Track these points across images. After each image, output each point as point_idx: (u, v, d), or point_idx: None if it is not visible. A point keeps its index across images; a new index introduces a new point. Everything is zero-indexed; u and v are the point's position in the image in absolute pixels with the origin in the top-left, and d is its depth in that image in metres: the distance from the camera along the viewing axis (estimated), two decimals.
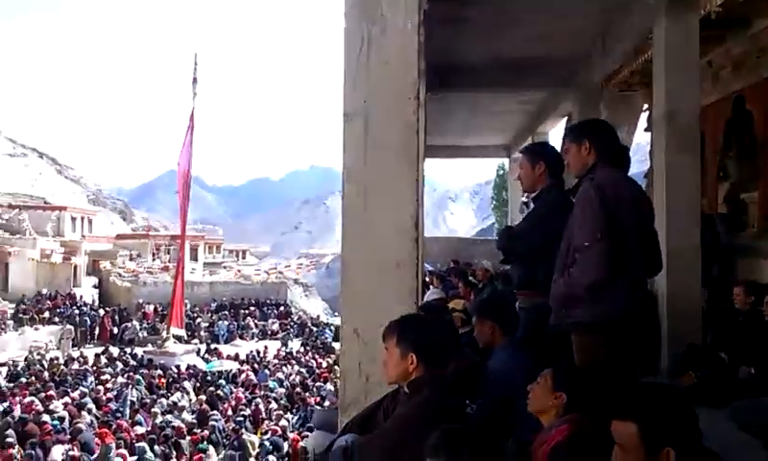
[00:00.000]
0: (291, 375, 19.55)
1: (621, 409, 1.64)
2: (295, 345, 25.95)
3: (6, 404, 14.96)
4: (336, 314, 33.23)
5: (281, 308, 31.83)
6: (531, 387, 2.30)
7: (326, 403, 14.87)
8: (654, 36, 5.13)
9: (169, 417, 14.07)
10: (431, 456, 1.77)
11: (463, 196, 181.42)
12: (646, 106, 9.10)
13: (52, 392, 15.90)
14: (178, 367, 19.74)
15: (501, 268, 6.63)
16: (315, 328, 29.03)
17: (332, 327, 29.04)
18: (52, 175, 64.81)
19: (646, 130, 9.57)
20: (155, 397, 16.17)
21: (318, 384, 17.96)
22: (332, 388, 16.98)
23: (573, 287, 2.48)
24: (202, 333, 27.13)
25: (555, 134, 11.96)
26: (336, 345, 26.26)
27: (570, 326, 2.55)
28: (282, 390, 17.35)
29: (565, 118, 10.33)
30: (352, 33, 2.81)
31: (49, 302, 27.72)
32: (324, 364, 21.72)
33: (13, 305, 26.20)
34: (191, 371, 19.27)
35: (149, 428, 13.26)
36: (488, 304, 3.33)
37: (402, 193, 2.84)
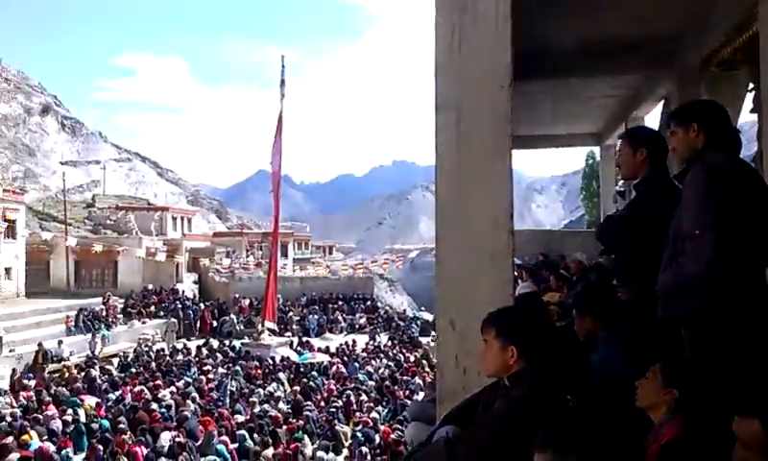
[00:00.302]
0: (380, 368, 19.84)
1: (744, 405, 1.55)
2: (382, 339, 26.27)
3: (118, 393, 16.19)
4: (422, 308, 33.31)
5: (368, 303, 32.32)
6: (639, 382, 2.21)
7: (417, 396, 14.96)
8: (759, 9, 4.75)
9: (266, 406, 14.69)
10: (539, 451, 1.75)
11: (549, 187, 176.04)
12: (751, 85, 8.43)
13: (159, 381, 17.02)
14: (273, 359, 20.53)
15: (595, 260, 6.37)
16: (402, 323, 29.24)
17: (419, 322, 29.17)
18: (154, 178, 69.25)
19: (752, 111, 8.86)
20: (252, 387, 16.93)
21: (406, 378, 18.10)
22: (421, 382, 17.07)
23: (683, 277, 2.34)
24: (293, 327, 28.08)
25: (650, 120, 11.31)
26: (423, 339, 26.35)
27: (681, 318, 2.42)
28: (372, 383, 17.64)
29: (662, 102, 9.76)
30: (443, 23, 2.80)
31: (154, 297, 29.65)
32: (412, 358, 21.86)
33: (123, 300, 28.24)
34: (285, 362, 19.99)
35: (248, 417, 13.90)
36: (588, 298, 3.22)
37: (496, 184, 2.80)
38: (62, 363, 19.92)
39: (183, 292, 31.07)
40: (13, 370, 18.12)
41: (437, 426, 2.48)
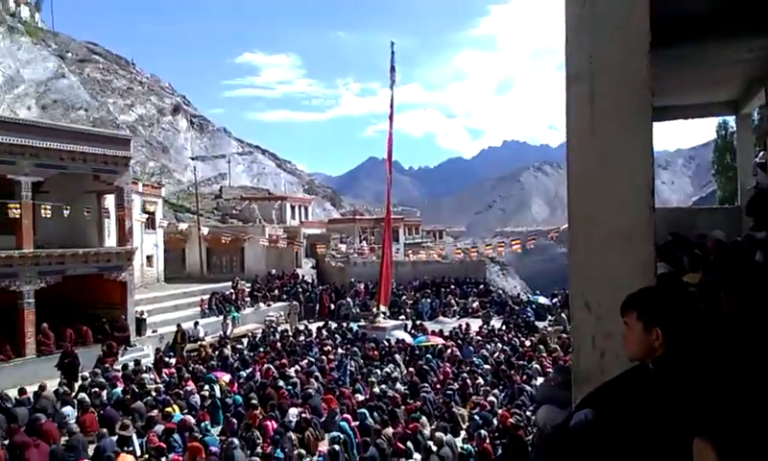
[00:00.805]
0: (495, 352, 19.61)
1: None
2: (496, 323, 25.92)
3: (249, 370, 17.32)
4: (537, 292, 32.40)
5: (480, 287, 31.98)
6: None
7: (536, 381, 14.65)
8: None
9: (384, 387, 15.06)
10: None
11: (675, 162, 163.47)
12: None
13: (284, 360, 18.00)
14: (388, 341, 20.97)
15: (740, 236, 5.84)
16: (516, 307, 28.66)
17: (533, 306, 28.44)
18: (273, 169, 72.84)
19: None
20: (370, 368, 17.42)
21: (522, 362, 17.75)
22: (538, 367, 16.68)
23: None
24: (407, 310, 28.47)
25: None
26: (539, 323, 25.67)
27: None
28: (487, 367, 17.49)
29: None
30: None
31: (277, 281, 31.34)
32: (528, 342, 21.40)
33: (249, 285, 30.10)
34: (400, 345, 20.34)
35: (367, 396, 14.33)
36: (742, 280, 2.97)
37: (636, 158, 2.64)
38: (198, 343, 21.67)
39: (303, 277, 32.53)
40: (157, 349, 19.91)
41: (575, 410, 2.42)
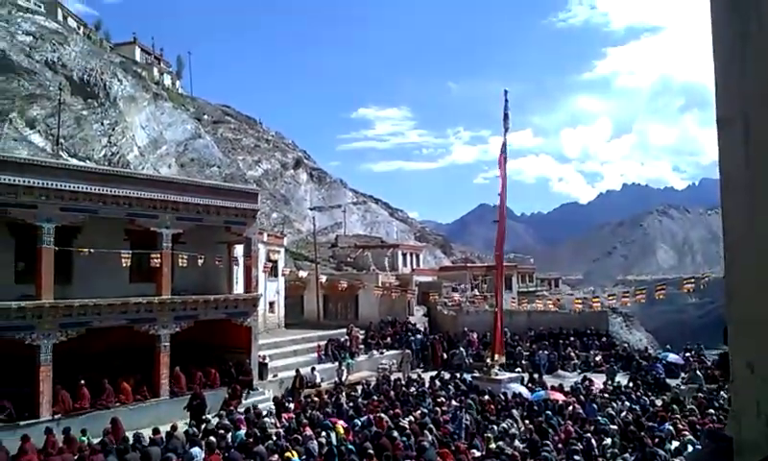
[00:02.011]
0: (622, 411, 18.24)
1: None
2: (622, 379, 24.20)
3: (364, 418, 17.38)
4: (668, 347, 29.97)
5: (603, 339, 30.15)
6: None
7: (670, 445, 13.41)
8: None
9: (501, 444, 14.46)
10: None
11: None
12: None
13: (398, 410, 17.90)
14: (504, 394, 20.23)
15: None
16: (644, 362, 26.62)
17: (664, 362, 26.27)
18: (386, 217, 74.51)
19: None
20: (486, 422, 16.84)
21: (653, 424, 16.32)
22: (672, 429, 15.28)
23: None
24: (523, 362, 27.43)
25: None
26: (671, 381, 23.61)
27: None
28: (614, 427, 16.28)
29: None
30: (722, 34, 2.54)
31: (390, 328, 31.59)
32: (659, 402, 19.71)
33: (363, 332, 30.58)
34: (517, 399, 19.55)
35: (484, 453, 13.82)
36: None
37: None
38: (315, 388, 22.21)
39: (415, 324, 32.53)
40: (275, 397, 20.50)
41: None
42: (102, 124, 47.45)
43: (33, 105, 42.46)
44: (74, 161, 37.31)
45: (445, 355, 29.38)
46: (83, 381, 17.26)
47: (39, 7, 57.66)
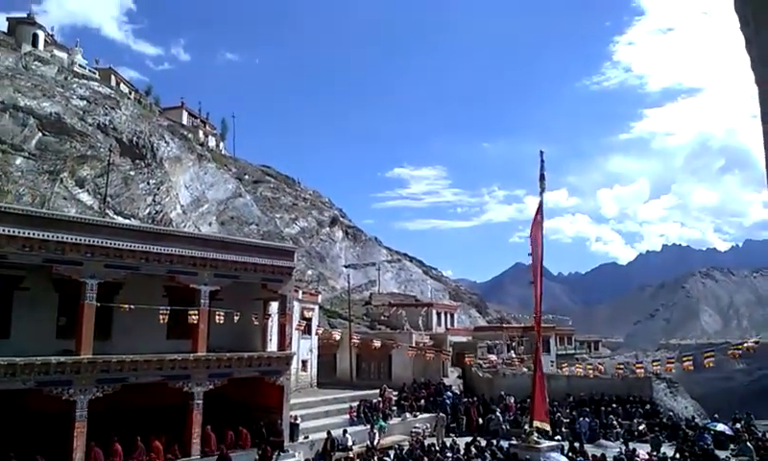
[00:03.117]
0: None
1: None
2: (667, 450, 23.00)
3: None
4: (716, 416, 28.46)
5: (647, 406, 28.86)
6: None
7: None
8: None
9: None
10: None
11: None
12: None
13: None
14: None
15: None
16: (690, 432, 25.30)
17: (712, 432, 24.92)
18: (420, 276, 74.27)
19: None
20: None
21: None
22: None
23: None
24: (562, 429, 26.38)
25: None
26: (720, 453, 22.34)
27: None
28: None
29: None
30: None
31: (424, 390, 30.94)
32: None
33: (396, 393, 30.01)
34: None
35: None
36: None
37: None
38: (347, 452, 21.74)
39: (450, 386, 31.80)
40: (307, 459, 20.15)
41: None
42: (148, 183, 49.27)
43: (83, 165, 44.50)
44: (120, 219, 38.66)
45: (481, 420, 28.51)
46: (116, 438, 17.32)
47: (94, 73, 61.19)
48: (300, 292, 31.96)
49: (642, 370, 31.83)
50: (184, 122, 71.49)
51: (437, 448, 22.42)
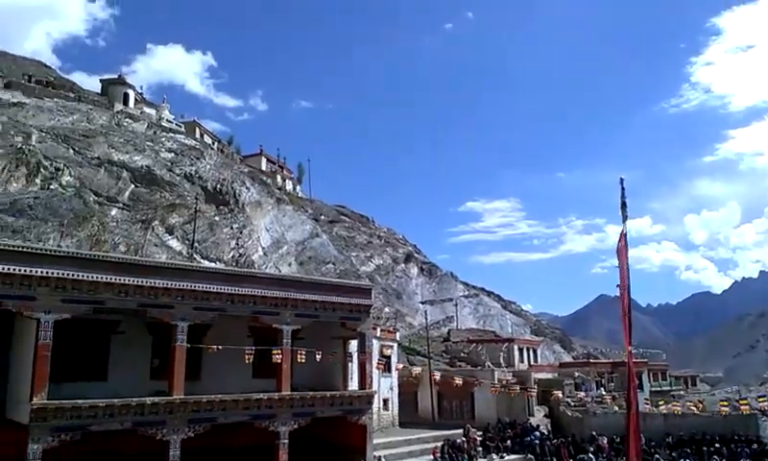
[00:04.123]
0: None
1: None
2: None
3: None
4: None
5: (754, 446, 26.48)
6: None
7: None
8: None
9: None
10: None
11: None
12: None
13: None
14: None
15: None
16: None
17: None
18: (499, 310, 72.65)
19: None
20: None
21: None
22: None
23: None
24: None
25: None
26: None
27: None
28: None
29: None
30: None
31: (509, 430, 29.85)
32: None
33: (480, 433, 29.13)
34: None
35: None
36: None
37: None
38: None
39: (538, 426, 30.54)
40: None
41: None
42: (231, 228, 51.41)
43: (172, 213, 47.08)
44: (207, 263, 40.41)
45: None
46: None
47: (180, 127, 65.20)
48: (379, 329, 31.96)
49: (747, 407, 29.46)
50: (263, 168, 74.51)
51: None
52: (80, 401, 15.49)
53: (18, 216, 38.24)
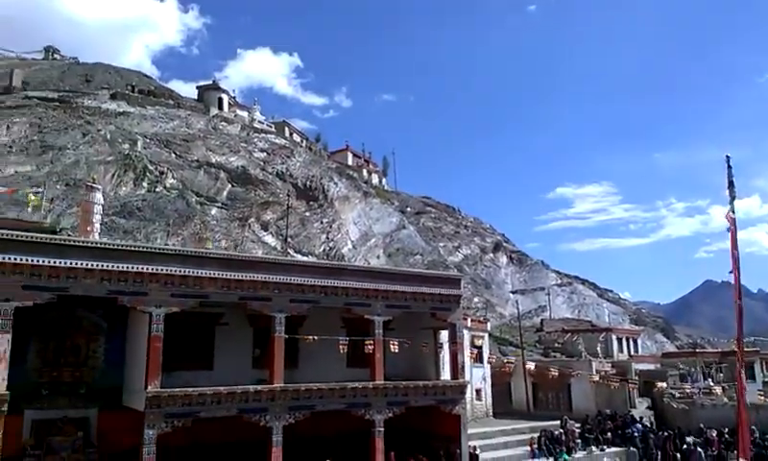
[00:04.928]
0: None
1: None
2: None
3: None
4: None
5: None
6: None
7: None
8: None
9: None
10: None
11: None
12: None
13: None
14: None
15: None
16: None
17: None
18: (594, 299, 69.96)
19: None
20: None
21: None
22: None
23: None
24: None
25: None
26: None
27: None
28: None
29: None
30: None
31: (609, 422, 28.75)
32: None
33: (578, 425, 28.25)
34: None
35: None
36: None
37: None
38: None
39: (641, 418, 29.22)
40: None
41: None
42: (321, 223, 52.93)
43: (266, 210, 49.14)
44: (299, 257, 41.88)
45: (679, 455, 25.69)
46: None
47: (271, 127, 67.74)
48: (469, 320, 31.76)
49: None
50: (350, 163, 75.95)
51: None
52: (189, 390, 16.56)
53: (128, 218, 41.34)
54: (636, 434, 27.09)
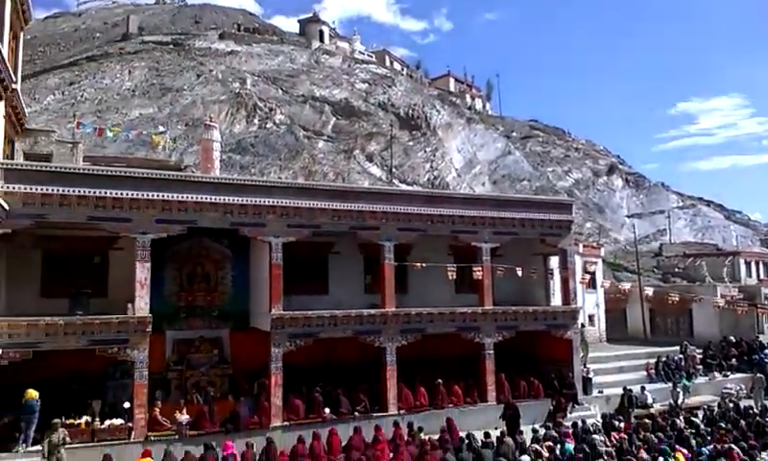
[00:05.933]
0: None
1: None
2: None
3: (710, 448, 15.29)
4: None
5: None
6: None
7: None
8: None
9: None
10: None
11: None
12: None
13: (753, 441, 15.33)
14: None
15: None
16: None
17: None
18: (721, 221, 64.97)
19: None
20: None
21: None
22: None
23: None
24: None
25: None
26: None
27: None
28: None
29: None
30: None
31: (734, 349, 27.25)
32: None
33: (700, 351, 27.04)
34: None
35: None
36: None
37: None
38: (647, 409, 20.48)
39: None
40: (603, 414, 19.45)
41: None
42: (424, 152, 52.77)
43: (370, 141, 49.70)
44: (404, 187, 42.31)
45: None
46: (419, 382, 19.27)
47: (371, 57, 67.40)
48: (581, 246, 30.82)
49: None
50: (452, 89, 74.28)
51: (756, 411, 19.64)
52: (309, 312, 17.70)
53: (243, 154, 43.59)
54: (764, 360, 25.52)
